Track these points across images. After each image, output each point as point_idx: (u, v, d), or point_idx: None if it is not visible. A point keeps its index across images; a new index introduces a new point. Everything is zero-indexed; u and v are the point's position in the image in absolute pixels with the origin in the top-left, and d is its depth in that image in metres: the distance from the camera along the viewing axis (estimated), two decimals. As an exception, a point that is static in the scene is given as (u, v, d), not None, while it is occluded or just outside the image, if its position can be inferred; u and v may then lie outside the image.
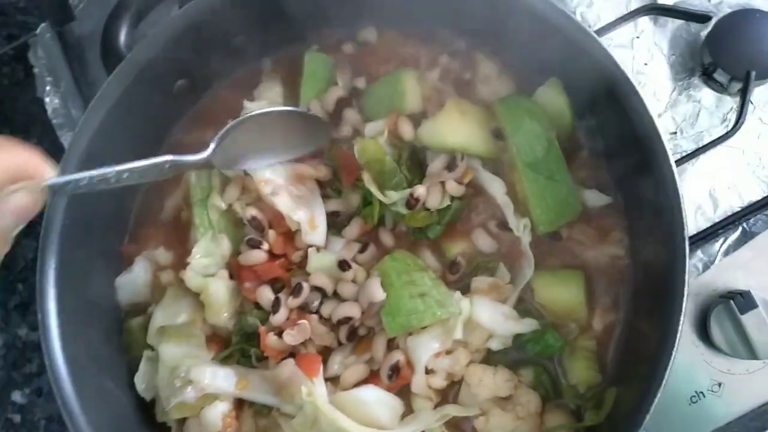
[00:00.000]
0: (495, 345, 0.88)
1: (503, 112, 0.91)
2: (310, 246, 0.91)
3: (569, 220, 0.90)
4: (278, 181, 0.91)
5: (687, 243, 0.77)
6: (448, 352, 0.87)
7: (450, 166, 0.89)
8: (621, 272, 0.91)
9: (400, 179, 0.89)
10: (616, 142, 0.91)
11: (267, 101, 0.98)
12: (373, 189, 0.88)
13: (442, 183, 0.89)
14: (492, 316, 0.87)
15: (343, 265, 0.89)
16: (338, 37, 1.01)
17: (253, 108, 0.95)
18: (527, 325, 0.88)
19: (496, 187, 0.91)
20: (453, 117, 0.90)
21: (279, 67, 1.02)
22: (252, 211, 0.91)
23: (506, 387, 0.85)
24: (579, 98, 0.92)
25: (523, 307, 0.91)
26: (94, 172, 0.70)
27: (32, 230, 0.83)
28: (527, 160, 0.88)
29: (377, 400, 0.85)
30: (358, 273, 0.89)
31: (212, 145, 0.84)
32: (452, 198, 0.90)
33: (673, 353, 0.73)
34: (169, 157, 0.78)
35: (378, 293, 0.85)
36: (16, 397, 1.14)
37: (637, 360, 0.83)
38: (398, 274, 0.86)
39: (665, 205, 0.78)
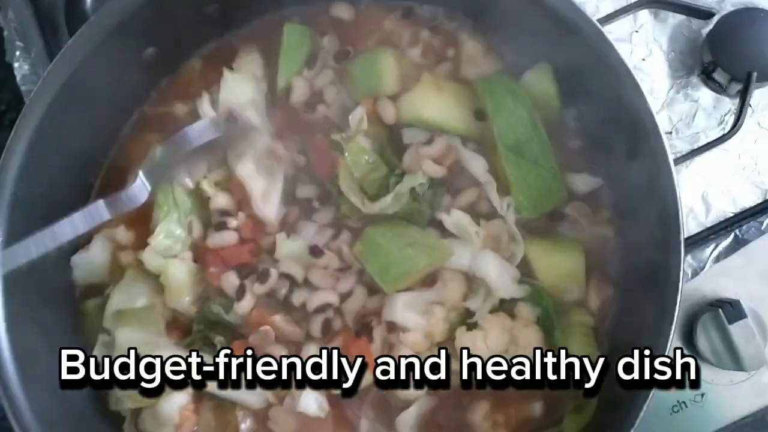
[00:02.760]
0: (475, 305, 0.83)
1: (486, 91, 0.87)
2: (257, 215, 0.87)
3: (554, 206, 0.87)
4: None
5: (683, 246, 0.73)
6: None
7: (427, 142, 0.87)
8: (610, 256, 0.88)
9: (383, 185, 0.86)
10: (608, 132, 0.86)
11: (248, 74, 0.93)
12: (354, 198, 0.85)
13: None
14: (500, 273, 0.83)
15: (316, 251, 0.86)
16: (317, 10, 0.96)
17: (234, 78, 0.92)
18: (523, 290, 0.84)
19: (477, 165, 0.87)
20: (429, 91, 0.87)
21: (256, 38, 0.97)
22: (220, 201, 0.88)
23: (503, 339, 0.81)
24: (570, 84, 0.88)
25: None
26: None
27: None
28: (508, 143, 0.84)
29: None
30: (331, 259, 0.86)
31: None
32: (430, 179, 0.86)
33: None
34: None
35: None
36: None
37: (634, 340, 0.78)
38: (382, 234, 0.84)
39: (660, 208, 0.74)
